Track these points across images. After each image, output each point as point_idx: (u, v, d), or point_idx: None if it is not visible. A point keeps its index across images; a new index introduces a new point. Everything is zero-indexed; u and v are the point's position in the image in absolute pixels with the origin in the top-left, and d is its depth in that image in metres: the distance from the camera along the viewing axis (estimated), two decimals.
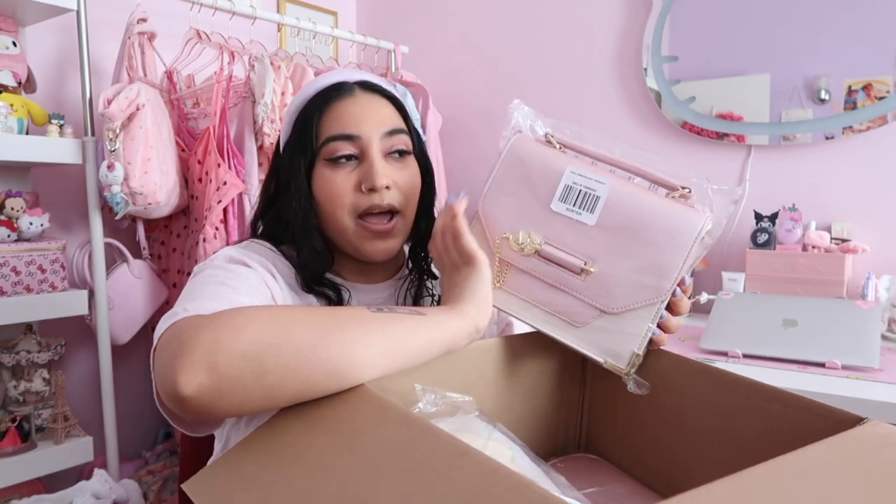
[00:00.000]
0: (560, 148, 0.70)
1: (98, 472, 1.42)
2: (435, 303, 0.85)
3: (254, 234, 0.85)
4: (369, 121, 0.76)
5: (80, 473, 1.63)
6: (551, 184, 0.67)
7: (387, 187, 0.75)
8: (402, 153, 0.78)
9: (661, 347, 0.66)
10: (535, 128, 0.71)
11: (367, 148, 0.75)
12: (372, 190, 0.74)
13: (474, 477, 0.36)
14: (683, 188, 0.65)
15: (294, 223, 0.78)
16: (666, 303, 0.64)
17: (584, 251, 0.65)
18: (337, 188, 0.75)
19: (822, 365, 1.15)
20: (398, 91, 0.83)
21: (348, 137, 0.75)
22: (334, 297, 0.77)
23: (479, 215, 0.70)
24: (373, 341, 0.52)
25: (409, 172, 0.79)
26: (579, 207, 0.65)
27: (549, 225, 0.66)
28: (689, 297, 0.68)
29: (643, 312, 0.63)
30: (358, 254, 0.78)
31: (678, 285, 0.64)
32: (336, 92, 0.78)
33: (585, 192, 0.65)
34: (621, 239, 0.64)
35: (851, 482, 0.39)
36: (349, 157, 0.76)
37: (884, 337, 1.36)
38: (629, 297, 0.63)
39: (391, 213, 0.77)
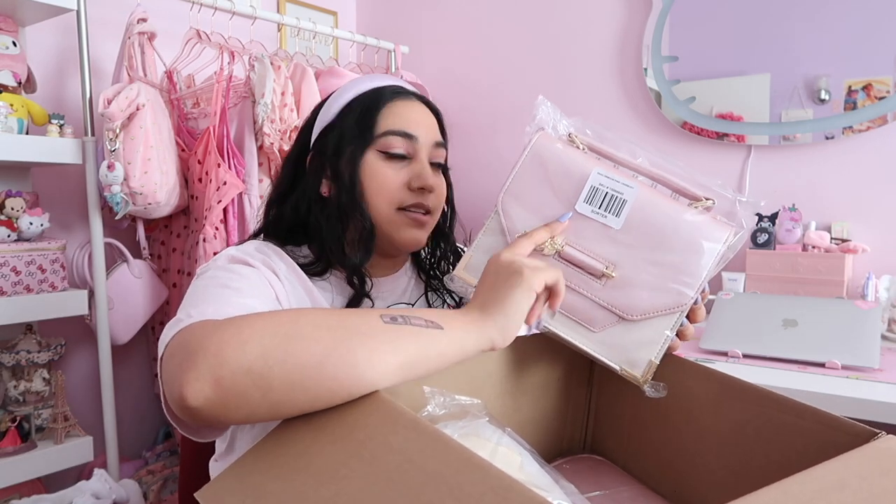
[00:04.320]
0: (583, 149, 0.69)
1: (98, 472, 1.42)
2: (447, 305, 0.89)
3: (266, 220, 0.86)
4: (426, 127, 0.82)
5: (80, 473, 1.63)
6: (576, 184, 0.65)
7: (432, 190, 0.80)
8: (439, 165, 0.84)
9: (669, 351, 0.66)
10: (557, 126, 0.70)
11: (420, 151, 0.80)
12: (422, 189, 0.79)
13: (488, 493, 0.35)
14: (707, 199, 0.64)
15: (338, 205, 0.79)
16: (686, 312, 0.63)
17: (605, 255, 0.64)
18: (389, 180, 0.79)
19: (822, 365, 1.15)
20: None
21: (407, 136, 0.80)
22: (358, 288, 0.79)
23: (499, 210, 0.68)
24: (382, 358, 0.49)
25: (443, 183, 0.84)
26: (605, 210, 0.64)
27: (572, 226, 0.65)
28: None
29: (663, 321, 0.62)
30: (386, 240, 0.81)
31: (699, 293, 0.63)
32: (397, 93, 0.82)
33: (612, 195, 0.64)
34: (645, 245, 0.63)
35: (869, 503, 0.39)
36: (402, 156, 0.80)
37: (884, 337, 1.36)
38: (650, 304, 0.62)
39: (427, 212, 0.82)
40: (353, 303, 0.79)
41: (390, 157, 0.79)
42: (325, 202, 0.81)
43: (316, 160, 0.83)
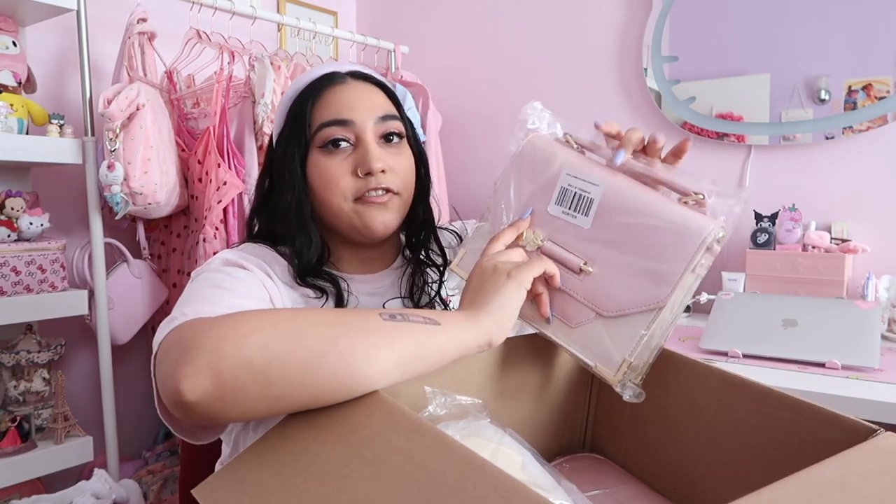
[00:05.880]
0: (578, 148, 0.69)
1: (98, 472, 1.42)
2: (438, 299, 0.86)
3: (250, 231, 0.86)
4: (362, 106, 0.77)
5: (80, 473, 1.63)
6: (553, 186, 0.67)
7: (382, 171, 0.76)
8: (396, 137, 0.79)
9: (668, 349, 0.65)
10: (552, 129, 0.71)
11: (361, 133, 0.77)
12: (368, 174, 0.75)
13: (490, 495, 0.35)
14: (696, 194, 0.61)
15: (289, 213, 0.79)
16: (664, 310, 0.60)
17: (584, 251, 0.64)
18: (333, 174, 0.76)
19: (821, 365, 1.15)
20: (391, 85, 0.85)
21: (342, 123, 0.76)
22: (332, 290, 0.77)
23: (490, 211, 0.71)
24: (381, 354, 0.49)
25: (404, 158, 0.80)
26: (574, 210, 0.65)
27: (553, 224, 0.66)
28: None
29: (638, 319, 0.60)
30: (357, 233, 0.78)
31: None
32: (329, 80, 0.79)
33: (579, 195, 0.65)
34: (620, 241, 0.62)
35: (870, 501, 0.39)
36: (343, 143, 0.77)
37: (884, 337, 1.36)
38: (625, 301, 0.61)
39: (387, 191, 0.77)
40: (338, 304, 0.78)
41: (331, 150, 0.77)
42: (287, 210, 0.79)
43: (277, 169, 0.81)
